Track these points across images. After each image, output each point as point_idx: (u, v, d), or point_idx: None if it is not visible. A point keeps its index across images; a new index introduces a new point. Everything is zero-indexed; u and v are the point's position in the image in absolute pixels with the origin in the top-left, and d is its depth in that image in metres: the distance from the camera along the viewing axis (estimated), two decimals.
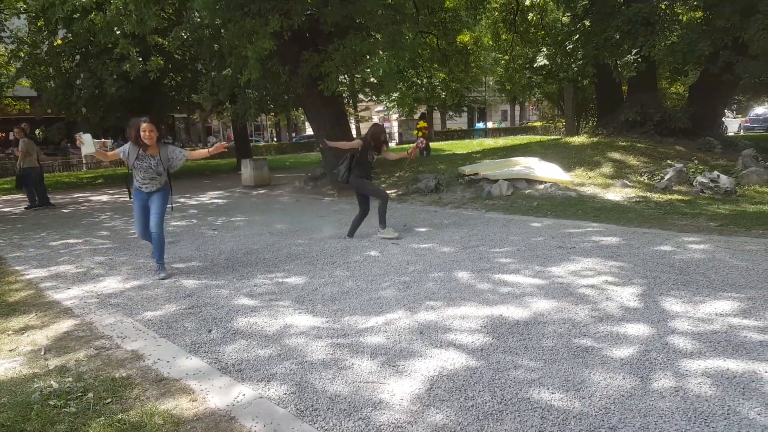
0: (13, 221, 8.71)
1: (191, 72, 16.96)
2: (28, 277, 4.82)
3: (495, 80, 32.01)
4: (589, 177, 8.88)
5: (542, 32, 17.30)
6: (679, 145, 11.05)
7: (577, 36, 13.33)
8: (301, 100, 11.18)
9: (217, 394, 2.46)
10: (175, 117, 30.76)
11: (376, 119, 42.40)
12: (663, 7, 11.55)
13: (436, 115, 36.19)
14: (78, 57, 15.18)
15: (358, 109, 31.76)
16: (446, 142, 30.42)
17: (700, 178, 8.07)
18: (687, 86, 16.94)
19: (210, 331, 3.28)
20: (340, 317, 3.39)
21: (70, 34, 13.56)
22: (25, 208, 10.02)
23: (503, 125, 43.68)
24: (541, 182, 8.42)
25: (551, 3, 15.50)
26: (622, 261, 4.29)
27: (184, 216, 8.48)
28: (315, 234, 6.24)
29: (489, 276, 4.07)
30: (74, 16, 10.53)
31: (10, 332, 3.41)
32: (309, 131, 34.52)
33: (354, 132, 23.98)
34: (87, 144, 4.19)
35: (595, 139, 11.87)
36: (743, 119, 25.04)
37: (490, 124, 42.84)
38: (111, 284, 4.45)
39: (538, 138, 22.77)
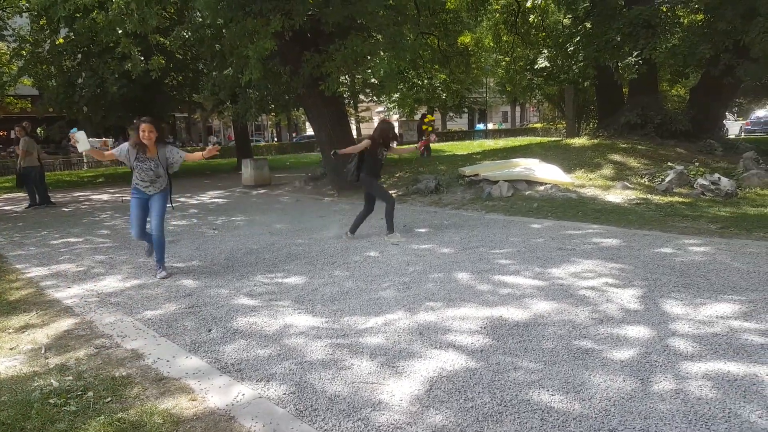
0: (14, 220, 8.72)
1: (192, 72, 16.97)
2: (28, 275, 4.83)
3: (496, 81, 32.04)
4: (590, 179, 8.88)
5: (543, 34, 17.31)
6: (679, 147, 11.05)
7: (578, 38, 13.35)
8: (302, 101, 11.18)
9: (217, 394, 2.46)
10: (176, 116, 30.78)
11: (377, 120, 42.37)
12: (664, 9, 11.56)
13: (437, 115, 36.18)
14: (80, 56, 15.20)
15: (359, 110, 31.77)
16: (446, 143, 30.43)
17: (700, 181, 8.07)
18: (688, 89, 16.96)
19: (210, 330, 3.28)
20: (340, 317, 3.38)
21: (72, 33, 13.58)
22: (26, 207, 10.03)
23: (504, 126, 43.69)
24: (541, 184, 8.42)
25: (552, 5, 15.52)
26: (622, 263, 4.29)
27: (184, 215, 8.48)
28: (315, 234, 6.24)
29: (489, 277, 4.07)
30: (77, 15, 10.54)
31: (10, 330, 3.41)
32: (309, 131, 34.53)
33: (354, 132, 23.99)
34: (81, 142, 4.13)
35: (595, 141, 11.87)
36: (744, 122, 25.04)
37: (490, 126, 42.85)
38: (111, 283, 4.45)
39: (538, 139, 22.77)
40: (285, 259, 5.05)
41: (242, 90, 11.30)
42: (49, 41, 14.54)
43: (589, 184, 8.61)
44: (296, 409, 2.30)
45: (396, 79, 12.03)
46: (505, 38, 18.94)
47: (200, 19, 9.96)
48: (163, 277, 4.48)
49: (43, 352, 3.04)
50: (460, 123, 42.84)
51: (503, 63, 24.06)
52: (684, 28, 11.79)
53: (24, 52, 14.37)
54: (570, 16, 14.98)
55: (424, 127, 16.30)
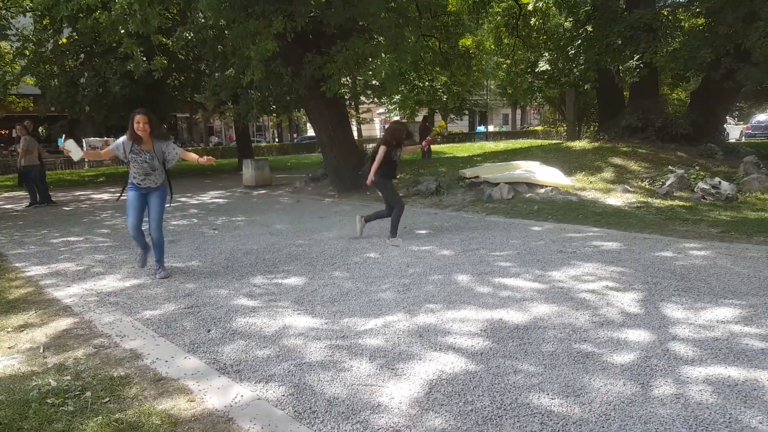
0: (15, 218, 8.72)
1: (194, 72, 17.01)
2: (28, 274, 4.82)
3: (496, 84, 32.06)
4: (590, 182, 8.88)
5: (544, 37, 17.33)
6: (680, 151, 11.05)
7: (579, 41, 13.35)
8: (304, 102, 11.19)
9: (215, 395, 2.45)
10: (177, 117, 30.82)
11: (377, 121, 42.47)
12: (665, 13, 11.59)
13: (437, 117, 36.23)
14: (82, 55, 15.23)
15: (360, 111, 31.80)
16: (447, 145, 30.45)
17: (701, 184, 8.06)
18: (689, 92, 16.96)
19: (209, 331, 3.28)
20: (339, 319, 3.38)
21: (75, 33, 13.61)
22: (27, 205, 10.03)
23: (504, 129, 43.74)
24: (542, 186, 8.42)
25: (554, 8, 15.54)
26: (622, 266, 4.28)
27: (184, 215, 8.48)
28: (315, 235, 6.24)
29: (489, 279, 4.06)
30: (80, 15, 10.56)
31: (9, 329, 3.40)
32: (311, 132, 34.58)
33: (355, 134, 24.00)
34: (74, 150, 4.04)
35: (596, 144, 11.87)
36: (745, 126, 25.03)
37: (491, 128, 42.89)
38: (111, 282, 4.44)
39: (539, 142, 22.78)
40: (285, 259, 5.05)
41: (244, 91, 11.31)
42: (52, 41, 14.57)
43: (589, 187, 8.61)
44: (295, 410, 2.29)
45: (397, 81, 12.03)
46: (506, 41, 18.97)
47: (203, 20, 9.97)
48: (162, 277, 4.47)
49: (41, 351, 3.04)
50: (460, 125, 42.85)
51: (504, 66, 24.07)
52: (685, 31, 11.81)
53: (27, 52, 14.39)
54: (571, 19, 15.00)
55: (436, 129, 16.51)
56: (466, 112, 38.20)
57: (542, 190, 8.28)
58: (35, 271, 4.93)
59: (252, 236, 6.34)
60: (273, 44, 8.06)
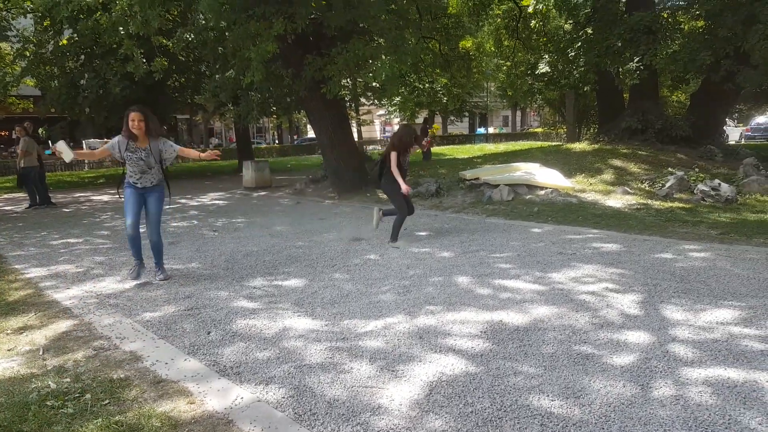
0: (14, 220, 8.72)
1: (195, 74, 17.03)
2: (27, 276, 4.82)
3: (497, 86, 32.10)
4: (590, 183, 8.89)
5: (544, 39, 17.37)
6: (680, 153, 11.07)
7: (579, 43, 13.38)
8: (304, 103, 11.20)
9: (215, 397, 2.45)
10: (177, 118, 30.83)
11: (378, 123, 42.49)
12: (665, 15, 11.62)
13: (438, 119, 36.26)
14: (83, 57, 15.25)
15: (360, 113, 31.83)
16: (447, 146, 30.47)
17: (701, 186, 8.07)
18: (688, 94, 16.99)
19: (209, 333, 3.28)
20: (340, 321, 3.38)
21: (75, 34, 13.63)
22: (27, 207, 10.04)
23: (504, 131, 43.78)
24: (541, 188, 8.42)
25: (554, 10, 15.57)
26: (622, 268, 4.28)
27: (184, 217, 8.48)
28: (316, 236, 6.24)
29: (489, 281, 4.06)
30: (80, 16, 10.58)
31: (8, 331, 3.40)
32: (311, 134, 34.58)
33: (355, 135, 24.01)
34: (65, 152, 4.00)
35: (596, 146, 11.89)
36: (744, 128, 25.06)
37: (491, 130, 42.95)
38: (110, 284, 4.44)
39: (539, 144, 22.79)
40: (285, 261, 5.05)
41: (244, 92, 11.33)
42: (52, 42, 14.59)
43: (589, 188, 8.61)
44: (295, 412, 2.29)
45: (397, 83, 12.06)
46: (506, 43, 19.00)
47: (203, 22, 10.00)
48: (162, 279, 4.46)
49: (41, 353, 3.03)
50: (460, 127, 42.90)
51: (504, 67, 24.10)
52: (684, 34, 11.83)
53: (27, 53, 14.42)
54: (571, 21, 15.03)
55: (430, 131, 16.58)
56: (466, 113, 38.28)
57: (542, 192, 8.28)
58: (35, 272, 4.93)
59: (252, 238, 6.34)
60: (273, 46, 8.08)
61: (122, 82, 13.44)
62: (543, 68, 16.95)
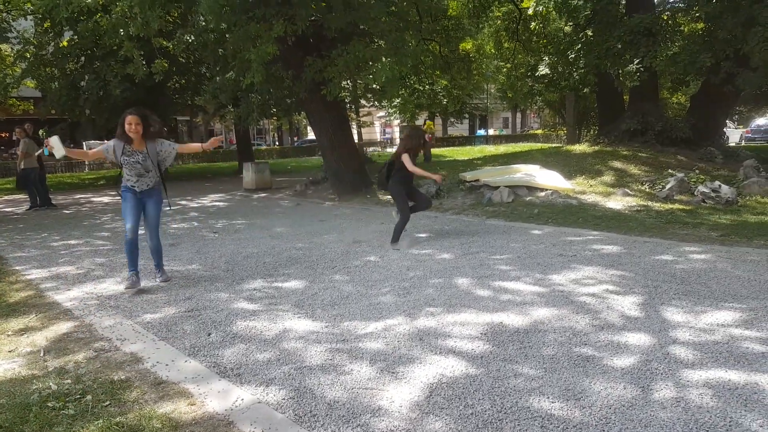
0: (15, 221, 8.72)
1: (195, 75, 17.06)
2: (28, 277, 4.82)
3: (497, 88, 32.16)
4: (590, 185, 8.89)
5: (544, 41, 17.39)
6: (680, 154, 11.07)
7: (579, 45, 13.40)
8: (304, 105, 11.21)
9: (216, 398, 2.45)
10: (178, 119, 30.86)
11: (378, 125, 42.53)
12: (665, 17, 11.62)
13: (438, 121, 36.30)
14: (83, 59, 15.28)
15: (361, 115, 31.86)
16: (447, 148, 30.49)
17: (701, 188, 8.07)
18: (688, 96, 17.00)
19: (209, 334, 3.28)
20: (340, 322, 3.38)
21: (75, 36, 13.65)
22: (27, 208, 10.04)
23: (504, 132, 43.82)
24: (542, 190, 8.43)
25: (554, 12, 15.60)
26: (622, 270, 4.28)
27: (185, 218, 8.49)
28: (316, 238, 6.24)
29: (489, 283, 4.06)
30: (81, 18, 10.60)
31: (9, 333, 3.40)
32: (311, 135, 34.62)
33: (355, 137, 24.00)
34: (57, 148, 3.94)
35: (596, 148, 11.89)
36: (744, 130, 25.07)
37: (491, 131, 42.98)
38: (111, 286, 4.44)
39: (539, 146, 22.82)
40: (285, 263, 5.05)
41: (244, 94, 11.34)
42: (52, 44, 14.62)
43: (589, 190, 8.61)
44: (295, 414, 2.29)
45: (397, 85, 12.07)
46: (506, 45, 19.02)
47: (203, 23, 10.01)
48: (162, 281, 4.46)
49: (41, 354, 3.03)
50: (461, 129, 42.94)
51: (504, 69, 24.14)
52: (684, 36, 11.85)
53: (28, 54, 14.44)
54: (571, 23, 15.05)
55: (424, 129, 16.61)
56: (467, 115, 38.30)
57: (542, 194, 8.28)
58: (35, 274, 4.93)
59: (252, 239, 6.34)
60: (273, 47, 8.09)
61: (122, 83, 13.46)
62: (543, 70, 16.98)
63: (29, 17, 14.17)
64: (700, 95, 12.83)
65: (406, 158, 5.39)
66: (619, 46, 11.22)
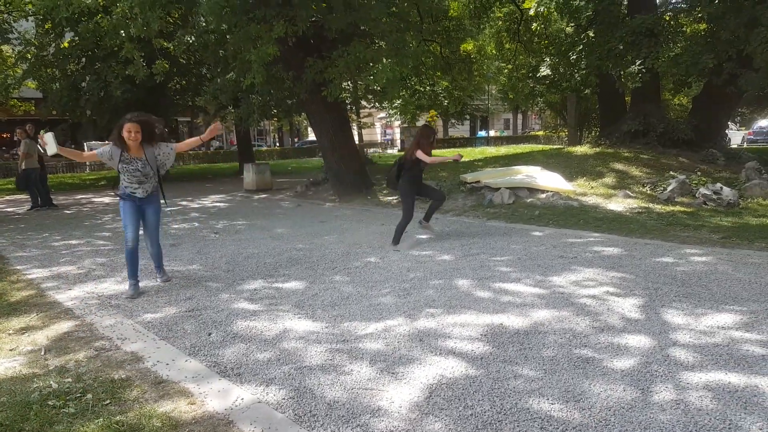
0: (16, 221, 8.74)
1: (196, 76, 17.08)
2: (29, 277, 4.83)
3: (498, 89, 32.13)
4: (592, 187, 8.88)
5: (546, 42, 17.39)
6: (682, 156, 11.06)
7: (581, 46, 13.39)
8: (305, 106, 11.23)
9: (216, 398, 2.46)
10: (178, 120, 30.92)
11: (378, 126, 42.55)
12: (667, 18, 11.61)
13: (438, 122, 36.30)
14: (84, 59, 15.31)
15: (361, 116, 31.88)
16: (448, 149, 30.49)
17: (702, 190, 8.07)
18: (690, 98, 16.98)
19: (210, 334, 3.28)
20: (340, 323, 3.38)
21: (76, 37, 13.68)
22: (29, 209, 10.06)
23: (505, 134, 43.81)
24: (543, 191, 8.42)
25: (555, 13, 15.60)
26: (623, 272, 4.28)
27: (185, 219, 8.50)
28: (316, 239, 6.25)
29: (489, 284, 4.06)
30: (82, 19, 10.62)
31: (10, 332, 3.41)
32: (311, 136, 34.65)
33: (356, 138, 24.01)
34: (50, 144, 3.88)
35: (597, 149, 11.88)
36: (747, 132, 25.04)
37: (492, 133, 42.97)
38: (112, 286, 4.45)
39: (540, 147, 22.81)
40: (286, 263, 5.05)
41: (245, 95, 11.35)
42: (53, 45, 14.65)
43: (590, 192, 8.61)
44: (295, 414, 2.30)
45: (398, 86, 12.08)
46: (507, 46, 19.02)
47: (204, 24, 10.03)
48: (163, 281, 4.47)
49: (42, 353, 3.04)
50: (461, 130, 42.92)
51: (505, 70, 24.13)
52: (687, 37, 11.83)
53: (29, 55, 14.47)
54: (572, 24, 15.05)
55: (427, 119, 16.64)
56: (468, 116, 38.29)
57: (543, 195, 8.28)
58: (36, 273, 4.94)
59: (253, 240, 6.34)
60: (274, 48, 8.10)
61: (123, 84, 13.49)
62: (544, 71, 16.98)
63: (30, 18, 14.21)
64: (702, 96, 12.81)
65: (421, 154, 5.42)
66: (621, 47, 11.22)
